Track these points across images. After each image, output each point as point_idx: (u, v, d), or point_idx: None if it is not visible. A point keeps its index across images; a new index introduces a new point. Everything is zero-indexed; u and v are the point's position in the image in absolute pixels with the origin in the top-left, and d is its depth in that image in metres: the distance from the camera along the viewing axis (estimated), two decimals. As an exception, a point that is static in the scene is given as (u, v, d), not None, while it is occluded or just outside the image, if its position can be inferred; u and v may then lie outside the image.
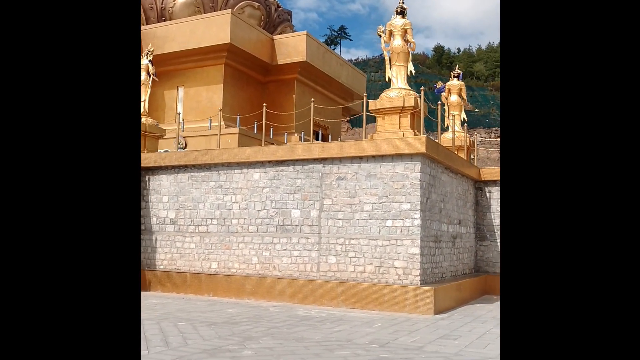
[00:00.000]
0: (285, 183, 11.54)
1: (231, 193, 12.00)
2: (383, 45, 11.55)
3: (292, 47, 21.61)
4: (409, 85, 11.57)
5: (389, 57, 11.43)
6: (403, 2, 11.40)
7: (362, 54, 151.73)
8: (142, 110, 13.97)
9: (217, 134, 19.38)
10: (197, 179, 12.35)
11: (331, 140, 23.20)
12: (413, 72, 11.33)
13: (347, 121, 29.23)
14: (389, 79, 11.47)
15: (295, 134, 21.51)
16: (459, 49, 79.48)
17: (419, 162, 10.38)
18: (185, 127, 19.73)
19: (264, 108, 13.28)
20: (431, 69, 68.22)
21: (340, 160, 11.06)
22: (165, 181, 12.67)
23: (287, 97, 22.22)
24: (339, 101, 24.85)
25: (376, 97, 11.86)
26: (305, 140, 21.25)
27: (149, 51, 14.66)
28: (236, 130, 19.35)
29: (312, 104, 12.19)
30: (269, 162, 11.71)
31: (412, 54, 11.64)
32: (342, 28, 79.05)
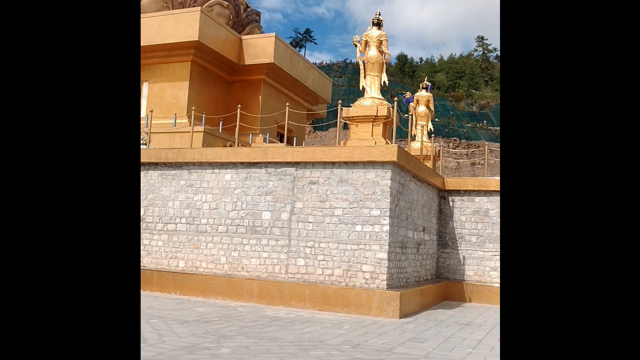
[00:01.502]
0: (257, 185, 11.66)
1: (202, 192, 12.02)
2: (358, 54, 11.84)
3: (260, 48, 21.69)
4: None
5: (364, 67, 11.72)
6: (380, 14, 11.73)
7: (326, 58, 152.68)
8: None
9: (182, 132, 19.36)
10: (167, 177, 12.31)
11: (296, 143, 23.41)
12: (387, 82, 11.67)
13: (310, 124, 29.45)
14: (363, 88, 11.78)
15: (260, 135, 21.59)
16: (421, 59, 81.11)
17: (390, 170, 10.70)
18: (148, 122, 19.52)
19: (239, 110, 13.35)
20: (394, 76, 69.34)
21: (313, 164, 11.28)
22: (134, 178, 12.56)
23: (253, 98, 22.28)
24: (304, 104, 25.06)
25: (340, 102, 12.08)
26: (271, 141, 21.36)
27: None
28: (201, 128, 19.25)
29: (287, 108, 12.36)
30: (242, 163, 11.81)
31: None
32: (307, 31, 79.70)
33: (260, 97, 22.17)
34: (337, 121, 12.10)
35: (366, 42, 11.75)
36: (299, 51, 26.05)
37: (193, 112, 14.16)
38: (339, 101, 11.50)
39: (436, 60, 77.28)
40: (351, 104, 11.94)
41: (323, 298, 10.61)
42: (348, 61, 71.81)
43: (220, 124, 20.06)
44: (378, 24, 11.72)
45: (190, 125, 19.37)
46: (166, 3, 21.76)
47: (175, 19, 20.20)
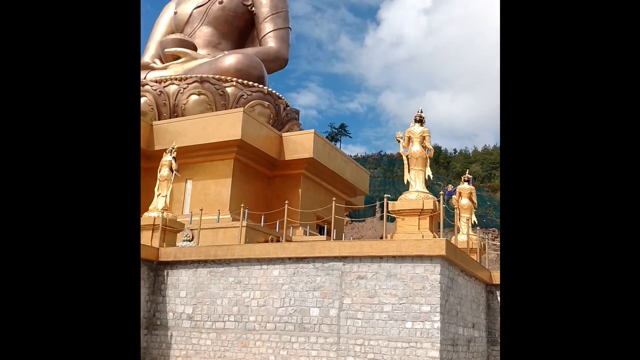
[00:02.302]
0: (304, 280, 11.67)
1: (250, 289, 12.08)
2: (402, 149, 12.17)
3: (299, 144, 22.37)
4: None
5: (408, 161, 12.00)
6: (422, 111, 12.16)
7: (360, 151, 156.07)
8: (163, 204, 14.27)
9: (225, 227, 19.69)
10: (216, 274, 12.46)
11: (336, 235, 23.48)
12: (431, 176, 11.88)
13: (347, 215, 29.66)
14: (407, 182, 11.99)
15: (301, 228, 21.76)
16: (455, 150, 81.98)
17: (439, 265, 10.63)
18: (192, 219, 19.96)
19: (286, 206, 13.64)
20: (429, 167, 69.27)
21: (361, 259, 11.29)
22: (184, 276, 12.75)
23: (293, 192, 22.68)
24: (342, 196, 25.39)
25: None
26: (311, 234, 21.50)
27: (173, 148, 15.20)
28: (244, 224, 19.57)
29: (333, 203, 12.57)
30: (289, 258, 11.91)
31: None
32: (342, 125, 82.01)
33: (300, 190, 22.59)
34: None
35: (409, 138, 12.10)
36: (335, 145, 26.90)
37: (242, 209, 14.52)
38: (385, 195, 11.68)
39: (470, 151, 78.02)
40: (386, 195, 12.09)
41: (376, 399, 10.24)
42: (383, 153, 73.04)
43: (262, 218, 20.37)
44: (420, 121, 12.12)
45: (233, 221, 19.78)
46: (210, 105, 22.88)
47: (219, 120, 21.12)
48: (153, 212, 14.00)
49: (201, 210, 15.72)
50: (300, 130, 25.29)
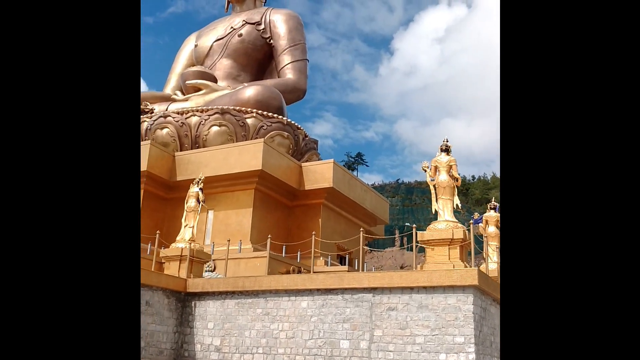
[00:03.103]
0: (334, 312, 11.57)
1: (278, 321, 11.98)
2: (428, 179, 12.15)
3: (319, 173, 22.43)
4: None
5: (435, 191, 11.98)
6: (447, 141, 12.18)
7: (376, 179, 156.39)
8: (190, 235, 14.30)
9: (247, 258, 19.63)
10: (243, 305, 12.39)
11: (358, 265, 23.33)
12: (459, 205, 11.83)
13: (366, 244, 29.54)
14: (436, 211, 11.94)
15: (321, 258, 21.65)
16: (473, 177, 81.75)
17: (472, 294, 10.50)
18: (214, 249, 19.96)
19: (313, 237, 13.60)
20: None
21: (391, 290, 11.19)
22: (211, 307, 12.70)
23: (313, 221, 22.66)
24: (362, 225, 25.31)
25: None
26: (332, 264, 21.38)
27: (200, 180, 15.32)
28: (266, 254, 19.52)
29: (361, 234, 12.52)
30: (317, 290, 11.83)
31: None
32: (359, 154, 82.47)
33: (320, 220, 22.55)
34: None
35: (436, 167, 12.10)
36: (352, 173, 26.97)
37: (268, 239, 14.48)
38: (412, 224, 11.62)
39: (489, 178, 77.71)
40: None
41: None
42: (400, 181, 73.02)
43: (284, 249, 20.32)
44: (447, 150, 12.13)
45: (254, 251, 19.76)
46: (230, 136, 23.09)
47: (239, 151, 21.28)
48: (180, 243, 14.03)
49: (228, 241, 15.76)
50: (319, 159, 25.41)
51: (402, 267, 33.46)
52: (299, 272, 19.72)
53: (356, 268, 22.19)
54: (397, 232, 40.19)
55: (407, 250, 36.84)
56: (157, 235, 15.00)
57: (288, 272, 18.95)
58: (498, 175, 75.41)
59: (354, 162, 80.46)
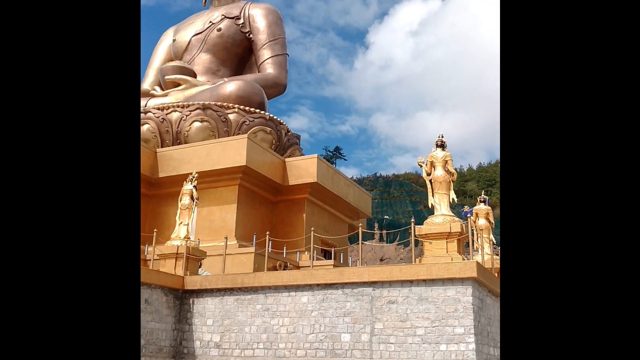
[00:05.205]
0: (334, 306, 11.71)
1: (278, 316, 12.07)
2: (424, 174, 12.39)
3: (303, 169, 22.49)
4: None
5: (431, 186, 12.22)
6: (442, 136, 12.44)
7: (354, 172, 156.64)
8: (185, 233, 14.22)
9: (232, 254, 19.59)
10: (242, 301, 12.43)
11: (341, 259, 23.52)
12: (455, 199, 12.10)
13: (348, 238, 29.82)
14: (432, 206, 12.19)
15: (306, 253, 21.75)
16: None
17: (471, 286, 10.78)
18: (199, 246, 19.85)
19: (312, 233, 13.68)
20: (425, 187, 69.49)
21: (390, 283, 11.39)
22: (210, 304, 12.69)
23: (297, 216, 22.74)
24: (345, 219, 25.52)
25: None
26: (318, 259, 21.51)
27: (193, 177, 15.22)
28: (252, 249, 19.53)
29: (360, 229, 12.66)
30: (317, 285, 11.95)
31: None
32: (337, 149, 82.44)
33: (304, 215, 22.63)
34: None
35: (432, 163, 12.34)
36: (335, 168, 27.15)
37: (267, 236, 14.53)
38: (412, 219, 11.85)
39: (465, 170, 78.71)
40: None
41: None
42: (378, 175, 73.40)
43: (269, 244, 20.34)
44: (442, 146, 12.39)
45: (239, 247, 19.72)
46: (212, 132, 22.93)
47: (223, 146, 21.14)
48: (175, 241, 13.95)
49: (226, 238, 15.69)
50: (301, 155, 25.46)
51: (381, 260, 34.01)
52: (285, 267, 19.80)
53: (341, 262, 22.41)
54: (376, 225, 40.84)
55: (387, 244, 37.54)
56: (155, 234, 14.81)
57: (275, 268, 19.02)
58: (474, 167, 76.72)
59: (332, 156, 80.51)
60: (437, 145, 12.41)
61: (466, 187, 63.82)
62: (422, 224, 12.07)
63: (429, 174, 12.31)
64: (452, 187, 12.17)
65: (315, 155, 22.95)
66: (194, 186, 14.69)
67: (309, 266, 19.58)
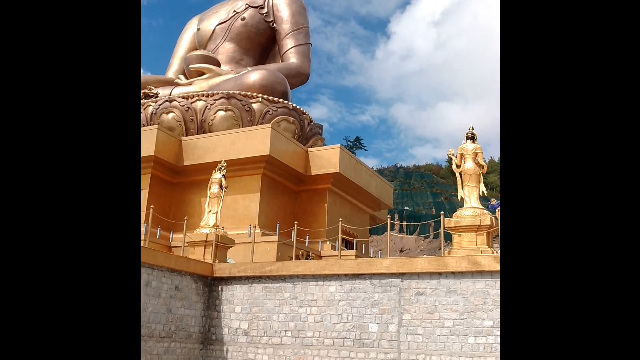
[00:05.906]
0: (362, 297, 11.80)
1: (306, 305, 12.19)
2: (454, 166, 12.38)
3: (325, 159, 22.52)
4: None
5: (461, 178, 12.21)
6: (473, 129, 12.40)
7: (373, 163, 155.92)
8: (214, 221, 14.39)
9: (256, 242, 19.75)
10: (271, 290, 12.57)
11: (362, 249, 23.60)
12: (485, 192, 12.08)
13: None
14: (462, 198, 12.19)
15: (328, 242, 21.85)
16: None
17: (499, 280, 10.77)
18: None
19: (339, 223, 13.74)
20: (446, 179, 69.06)
21: (419, 275, 11.44)
22: (238, 291, 12.85)
23: (319, 206, 22.81)
24: (367, 210, 25.56)
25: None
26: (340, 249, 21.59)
27: (222, 166, 15.35)
28: (275, 238, 19.66)
29: (388, 220, 12.70)
30: (345, 275, 12.04)
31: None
32: (357, 139, 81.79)
33: (326, 205, 22.70)
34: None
35: (462, 155, 12.32)
36: (357, 158, 27.12)
37: (295, 225, 14.66)
38: (442, 212, 11.85)
39: (487, 161, 77.87)
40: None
41: (442, 414, 10.35)
42: (399, 165, 72.89)
43: (293, 233, 20.50)
44: (472, 138, 12.35)
45: (263, 236, 19.87)
46: (236, 121, 23.04)
47: (247, 136, 21.24)
48: (204, 229, 14.11)
49: (252, 227, 15.81)
50: (323, 144, 25.49)
51: (401, 251, 34.06)
52: (308, 256, 19.92)
53: (362, 252, 22.48)
54: (396, 216, 40.78)
55: (407, 235, 37.53)
56: (185, 222, 15.00)
57: (298, 258, 19.15)
58: (496, 158, 76.19)
59: (352, 146, 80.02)
60: (468, 138, 12.38)
61: (488, 179, 63.26)
62: (439, 216, 11.96)
63: (458, 166, 12.28)
64: (481, 180, 12.14)
65: (338, 145, 22.95)
66: (223, 175, 14.82)
67: (332, 256, 19.75)
